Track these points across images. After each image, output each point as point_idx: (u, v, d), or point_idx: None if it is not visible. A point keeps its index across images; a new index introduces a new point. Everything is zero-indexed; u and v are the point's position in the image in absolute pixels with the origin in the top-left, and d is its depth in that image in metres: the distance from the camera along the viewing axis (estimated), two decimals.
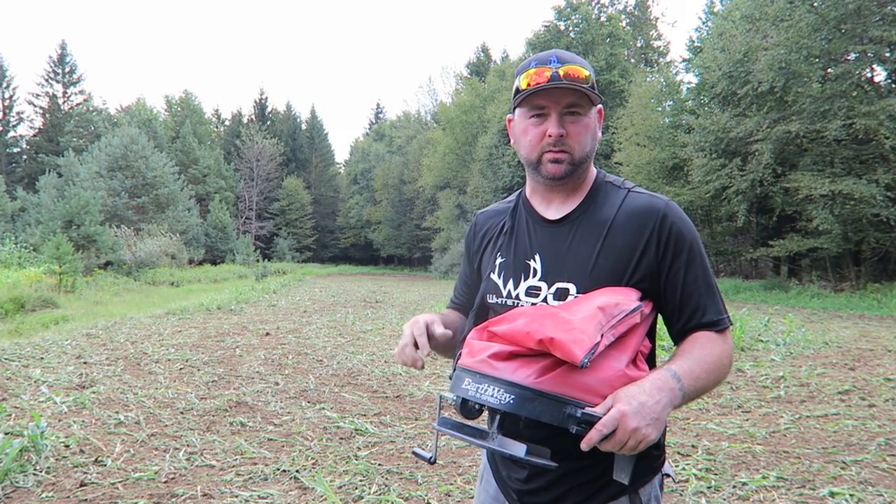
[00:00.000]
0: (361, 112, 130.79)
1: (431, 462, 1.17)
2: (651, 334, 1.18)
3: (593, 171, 1.27)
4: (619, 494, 1.16)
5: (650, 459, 1.18)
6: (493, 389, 1.01)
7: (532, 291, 1.22)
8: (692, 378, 1.06)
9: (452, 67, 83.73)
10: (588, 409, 0.98)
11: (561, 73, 1.15)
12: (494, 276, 1.29)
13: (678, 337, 1.17)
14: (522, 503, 1.25)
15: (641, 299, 1.13)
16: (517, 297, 1.24)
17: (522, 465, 1.21)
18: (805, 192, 15.16)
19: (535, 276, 1.23)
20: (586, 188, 1.25)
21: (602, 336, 1.02)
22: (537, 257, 1.23)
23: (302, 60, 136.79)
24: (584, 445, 0.97)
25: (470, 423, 1.12)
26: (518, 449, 1.00)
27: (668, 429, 4.17)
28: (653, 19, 34.47)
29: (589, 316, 1.03)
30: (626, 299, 1.09)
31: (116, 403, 4.73)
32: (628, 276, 1.13)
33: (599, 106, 1.24)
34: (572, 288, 1.16)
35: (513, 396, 0.99)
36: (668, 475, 1.25)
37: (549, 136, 1.17)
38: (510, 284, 1.26)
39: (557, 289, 1.18)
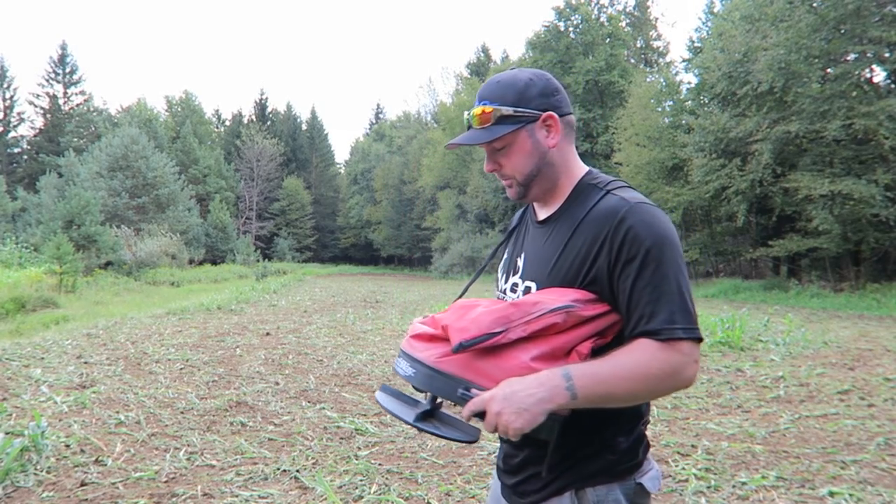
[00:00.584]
0: (361, 112, 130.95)
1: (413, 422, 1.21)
2: (617, 336, 1.15)
3: (576, 172, 1.28)
4: (565, 489, 1.17)
5: (603, 461, 1.16)
6: (405, 364, 1.16)
7: (513, 287, 1.29)
8: (592, 380, 1.04)
9: (452, 67, 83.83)
10: (473, 391, 1.07)
11: (473, 120, 1.22)
12: (498, 271, 1.40)
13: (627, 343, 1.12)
14: (500, 481, 1.34)
15: (597, 302, 1.13)
16: (504, 291, 1.32)
17: (509, 448, 1.30)
18: (804, 193, 15.16)
19: (516, 273, 1.30)
20: (567, 190, 1.27)
21: (507, 330, 1.07)
22: (522, 256, 1.31)
23: (302, 60, 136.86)
24: (463, 417, 1.11)
25: (408, 394, 1.26)
26: (408, 415, 1.16)
27: (667, 428, 4.18)
28: (653, 19, 34.47)
29: (495, 310, 1.10)
30: (553, 299, 1.10)
31: (117, 403, 4.73)
32: (581, 278, 1.13)
33: (542, 114, 1.22)
34: (534, 286, 1.20)
35: (414, 371, 1.13)
36: (650, 490, 1.19)
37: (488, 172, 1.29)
38: (503, 279, 1.36)
39: (526, 286, 1.23)
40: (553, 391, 1.03)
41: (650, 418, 1.19)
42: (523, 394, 1.03)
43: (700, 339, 1.08)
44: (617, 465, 1.17)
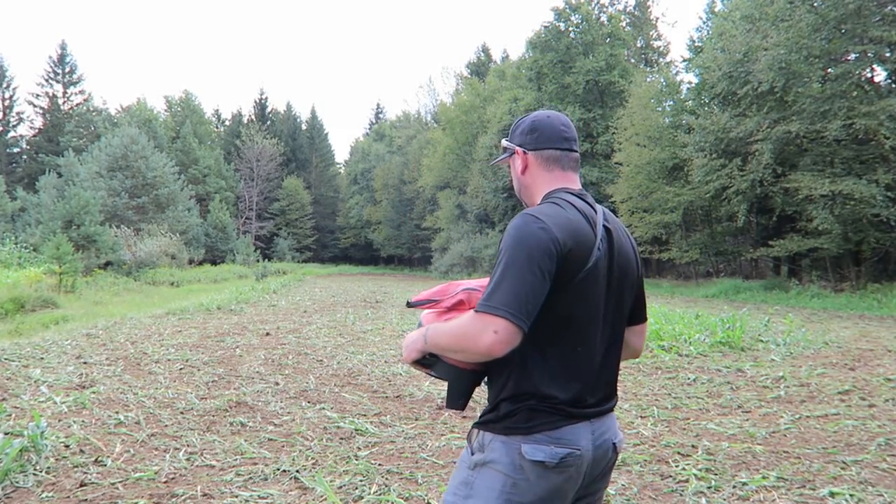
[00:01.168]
0: (361, 112, 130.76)
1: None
2: None
3: (542, 192, 1.57)
4: (475, 426, 1.49)
5: (492, 415, 1.45)
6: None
7: None
8: (435, 332, 1.43)
9: (452, 67, 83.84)
10: None
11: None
12: None
13: None
14: None
15: None
16: None
17: None
18: (805, 193, 15.16)
19: None
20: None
21: (441, 300, 1.56)
22: None
23: (302, 60, 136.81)
24: None
25: None
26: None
27: (668, 429, 4.18)
28: (653, 19, 34.44)
29: (442, 286, 1.62)
30: (468, 283, 1.57)
31: (116, 403, 4.73)
32: None
33: (516, 149, 1.61)
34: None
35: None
36: (528, 456, 1.37)
37: None
38: None
39: None
40: (419, 339, 1.48)
41: (576, 411, 1.41)
42: (409, 340, 1.51)
43: (509, 321, 1.28)
44: (499, 423, 1.42)
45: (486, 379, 1.49)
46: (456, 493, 1.46)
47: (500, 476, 1.39)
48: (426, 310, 1.58)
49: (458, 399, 1.50)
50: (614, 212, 25.41)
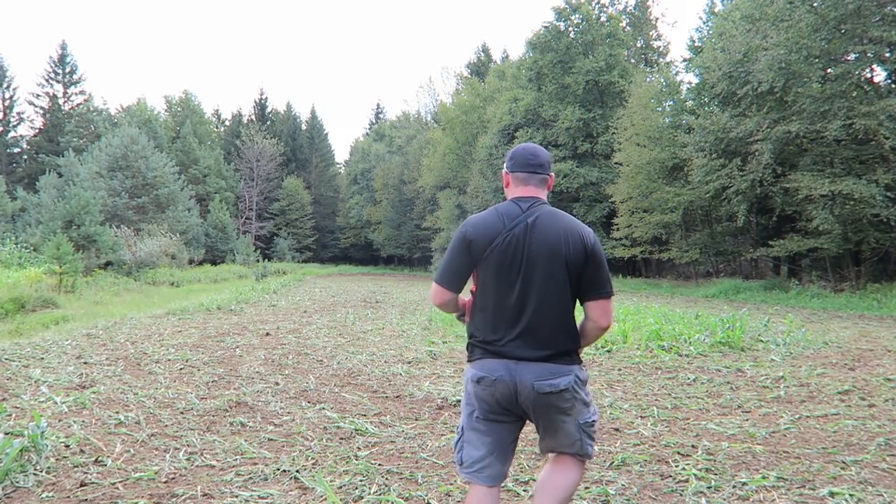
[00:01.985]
0: (361, 112, 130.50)
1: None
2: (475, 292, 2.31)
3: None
4: None
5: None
6: None
7: None
8: None
9: (452, 67, 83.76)
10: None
11: None
12: None
13: None
14: None
15: None
16: None
17: None
18: (805, 193, 15.15)
19: None
20: None
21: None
22: None
23: (302, 60, 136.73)
24: None
25: None
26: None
27: (667, 429, 4.18)
28: (653, 19, 34.45)
29: None
30: None
31: (116, 403, 4.73)
32: None
33: (504, 171, 2.34)
34: None
35: None
36: (467, 375, 2.22)
37: None
38: None
39: None
40: None
41: (493, 349, 2.17)
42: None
43: (436, 283, 2.22)
44: (470, 351, 2.25)
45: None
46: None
47: (466, 386, 2.25)
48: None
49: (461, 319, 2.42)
50: (614, 212, 25.42)
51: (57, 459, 3.44)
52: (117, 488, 3.11)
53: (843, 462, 3.50)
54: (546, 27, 30.14)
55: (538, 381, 2.07)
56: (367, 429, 4.19)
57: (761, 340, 7.78)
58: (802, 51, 14.91)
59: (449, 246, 2.21)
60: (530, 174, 2.24)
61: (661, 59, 33.36)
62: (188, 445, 3.78)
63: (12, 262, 20.57)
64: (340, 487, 3.15)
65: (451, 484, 3.21)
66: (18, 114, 47.47)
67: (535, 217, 2.13)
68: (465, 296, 2.32)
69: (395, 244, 52.73)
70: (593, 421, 2.23)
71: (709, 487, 3.15)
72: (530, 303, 2.12)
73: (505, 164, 2.30)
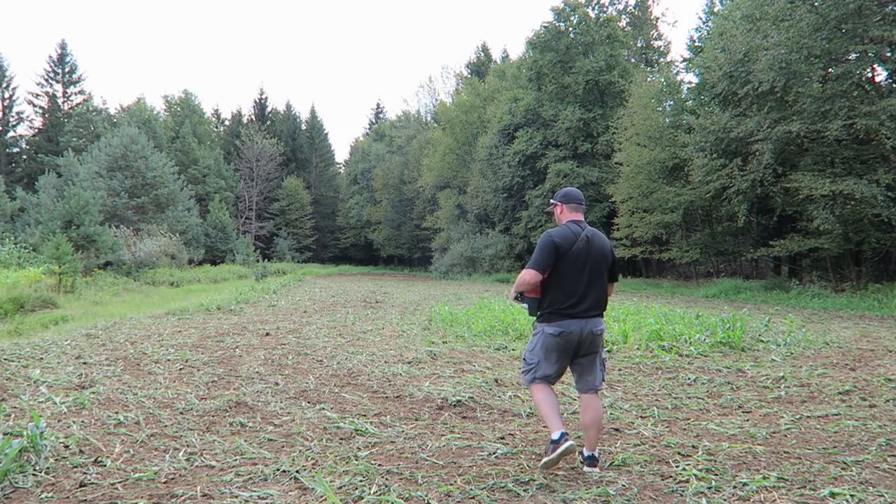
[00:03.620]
0: (361, 112, 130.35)
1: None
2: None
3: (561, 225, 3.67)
4: (537, 320, 3.62)
5: (540, 314, 3.58)
6: None
7: None
8: (515, 284, 3.59)
9: (452, 67, 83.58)
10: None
11: None
12: None
13: None
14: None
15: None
16: None
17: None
18: (806, 193, 15.14)
19: None
20: None
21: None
22: None
23: (302, 60, 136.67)
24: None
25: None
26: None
27: (668, 429, 4.18)
28: (653, 19, 34.45)
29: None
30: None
31: (116, 404, 4.72)
32: None
33: (558, 204, 3.72)
34: None
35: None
36: (548, 331, 3.50)
37: None
38: None
39: None
40: (512, 290, 3.63)
41: (571, 312, 3.50)
42: (511, 292, 3.66)
43: (533, 269, 3.46)
44: (540, 319, 3.57)
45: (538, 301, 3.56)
46: (528, 347, 3.62)
47: (539, 336, 3.53)
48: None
49: (534, 312, 3.58)
50: (614, 212, 25.47)
51: (56, 460, 3.43)
52: (117, 489, 3.11)
53: (844, 462, 3.49)
54: (546, 27, 30.14)
55: (595, 328, 3.50)
56: (367, 429, 4.18)
57: (762, 341, 7.77)
58: (803, 50, 14.90)
59: (538, 248, 3.48)
60: (578, 206, 3.67)
61: (661, 59, 33.35)
62: (188, 446, 3.77)
63: (11, 263, 20.56)
64: (340, 487, 3.14)
65: (451, 484, 3.20)
66: (18, 113, 47.46)
67: (590, 234, 3.55)
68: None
69: (395, 244, 52.73)
70: (605, 359, 3.73)
71: (709, 488, 3.14)
72: (593, 284, 3.51)
73: (558, 199, 3.69)
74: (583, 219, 3.64)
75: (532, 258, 3.47)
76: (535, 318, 3.59)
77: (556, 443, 3.26)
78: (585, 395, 3.56)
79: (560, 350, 3.47)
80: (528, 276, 3.42)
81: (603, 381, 3.65)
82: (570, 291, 3.45)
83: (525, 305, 3.58)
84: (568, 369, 3.67)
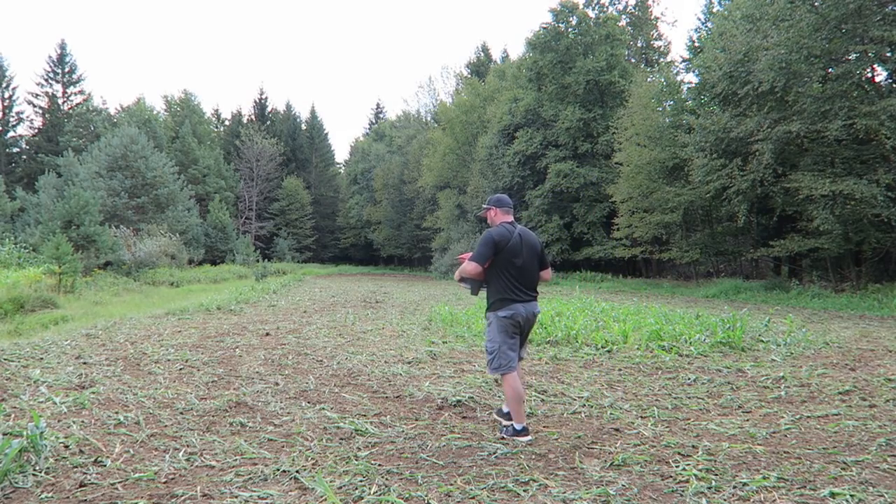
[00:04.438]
0: (361, 112, 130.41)
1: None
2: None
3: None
4: (487, 310, 4.22)
5: (491, 303, 4.19)
6: None
7: None
8: (461, 269, 4.19)
9: (452, 67, 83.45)
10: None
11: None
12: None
13: None
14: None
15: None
16: None
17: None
18: (806, 193, 15.14)
19: None
20: None
21: (463, 258, 4.31)
22: None
23: (302, 60, 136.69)
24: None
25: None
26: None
27: (668, 429, 4.18)
28: (653, 19, 34.43)
29: (463, 256, 4.34)
30: (468, 254, 4.30)
31: (116, 404, 4.72)
32: None
33: (491, 208, 4.37)
34: None
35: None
36: (500, 314, 4.11)
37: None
38: None
39: None
40: (458, 273, 4.24)
41: (517, 297, 4.17)
42: (456, 274, 4.25)
43: (476, 262, 4.12)
44: (490, 308, 4.18)
45: (483, 286, 4.24)
46: (486, 337, 4.18)
47: (493, 324, 4.10)
48: (462, 259, 4.20)
49: (475, 291, 4.25)
50: (614, 212, 25.49)
51: (56, 460, 3.43)
52: (117, 489, 3.11)
53: (844, 462, 3.49)
54: (545, 28, 30.14)
55: (535, 310, 4.22)
56: (367, 429, 4.19)
57: (762, 341, 7.77)
58: (803, 50, 14.90)
59: (481, 243, 4.12)
60: (509, 209, 4.35)
61: (661, 59, 33.34)
62: (188, 446, 3.77)
63: (11, 263, 20.56)
64: (340, 488, 3.14)
65: (451, 484, 3.20)
66: (17, 113, 47.46)
67: (521, 231, 4.24)
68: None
69: (395, 244, 52.69)
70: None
71: (709, 488, 3.14)
72: (528, 272, 4.19)
73: (491, 204, 4.34)
74: (513, 219, 4.30)
75: (475, 252, 4.11)
76: (475, 296, 4.55)
77: (520, 433, 4.01)
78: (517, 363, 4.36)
79: (512, 329, 4.10)
80: (471, 267, 4.10)
81: (527, 353, 4.84)
82: (511, 280, 4.11)
83: (467, 286, 4.28)
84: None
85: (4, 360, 6.15)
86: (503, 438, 3.98)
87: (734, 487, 3.14)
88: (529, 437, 3.98)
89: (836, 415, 4.52)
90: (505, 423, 4.17)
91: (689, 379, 5.78)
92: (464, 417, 4.56)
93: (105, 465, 3.40)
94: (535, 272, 4.24)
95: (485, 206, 4.37)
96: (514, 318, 4.06)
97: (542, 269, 4.32)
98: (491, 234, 4.13)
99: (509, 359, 4.02)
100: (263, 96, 65.52)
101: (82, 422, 4.17)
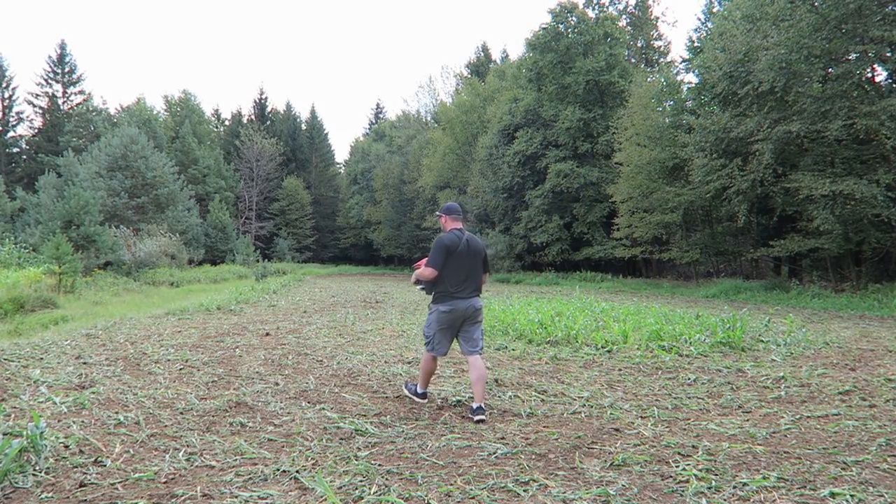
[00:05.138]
0: (361, 112, 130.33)
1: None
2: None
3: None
4: (432, 303, 4.80)
5: (434, 298, 4.76)
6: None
7: None
8: (417, 274, 4.70)
9: (452, 67, 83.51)
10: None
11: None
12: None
13: None
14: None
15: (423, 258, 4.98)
16: None
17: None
18: (806, 193, 15.14)
19: None
20: None
21: (420, 263, 4.80)
22: None
23: (302, 60, 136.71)
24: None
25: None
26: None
27: (668, 429, 4.18)
28: (653, 19, 34.44)
29: (419, 262, 4.85)
30: (424, 261, 4.83)
31: (116, 404, 4.72)
32: None
33: (442, 216, 4.90)
34: None
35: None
36: (441, 308, 4.70)
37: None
38: None
39: None
40: (413, 276, 4.80)
41: (456, 294, 4.69)
42: (412, 278, 4.82)
43: (432, 269, 4.63)
44: (434, 301, 4.75)
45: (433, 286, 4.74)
46: (426, 323, 4.85)
47: (434, 314, 4.73)
48: (416, 267, 4.74)
49: (429, 292, 4.75)
50: (614, 212, 25.50)
51: (56, 460, 3.43)
52: (117, 489, 3.10)
53: (844, 462, 3.49)
54: (545, 28, 30.14)
55: (475, 305, 4.71)
56: (367, 429, 4.18)
57: (762, 341, 7.77)
58: (803, 50, 14.90)
59: (434, 250, 4.63)
60: (458, 217, 4.82)
61: (661, 59, 33.35)
62: (188, 446, 3.77)
63: (11, 263, 20.56)
64: (340, 488, 3.14)
65: (451, 484, 3.20)
66: (17, 113, 47.48)
67: (468, 238, 4.74)
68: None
69: (395, 244, 52.68)
70: (482, 330, 4.94)
71: (709, 488, 3.14)
72: (472, 274, 4.72)
73: (443, 212, 4.83)
74: (462, 226, 4.80)
75: (430, 258, 4.63)
76: (430, 296, 4.80)
77: (418, 395, 4.98)
78: (471, 356, 4.70)
79: (449, 322, 4.67)
80: (428, 272, 4.60)
81: (482, 346, 4.80)
82: (456, 280, 4.63)
83: (422, 287, 4.79)
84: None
85: (4, 360, 6.15)
86: (407, 396, 5.06)
87: (734, 487, 3.14)
88: (426, 401, 4.93)
89: (836, 415, 4.52)
90: (412, 384, 5.13)
91: (689, 379, 5.78)
92: (464, 417, 4.56)
93: (105, 465, 3.40)
94: (478, 274, 4.74)
95: (437, 213, 4.97)
96: (454, 313, 4.63)
97: (483, 272, 4.85)
98: (443, 241, 4.63)
99: (441, 344, 4.74)
100: (263, 96, 65.56)
101: (82, 422, 4.17)
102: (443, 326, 4.67)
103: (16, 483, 3.11)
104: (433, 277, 4.61)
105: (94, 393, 4.98)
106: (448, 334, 4.72)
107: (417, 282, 4.79)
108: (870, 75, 15.76)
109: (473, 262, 4.70)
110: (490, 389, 5.40)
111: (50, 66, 47.74)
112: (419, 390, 4.95)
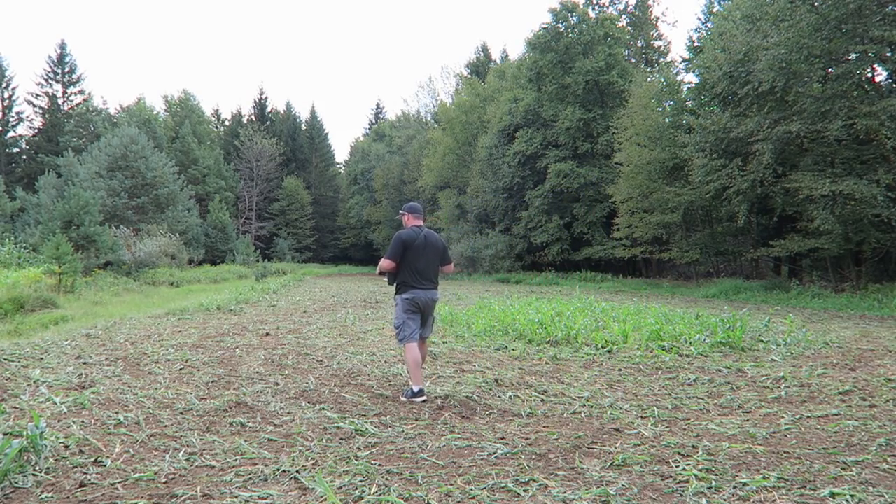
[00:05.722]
0: (361, 112, 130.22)
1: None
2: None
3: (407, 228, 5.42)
4: (395, 294, 5.34)
5: (397, 288, 5.29)
6: None
7: None
8: (380, 265, 5.29)
9: (452, 67, 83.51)
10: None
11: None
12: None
13: None
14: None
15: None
16: None
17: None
18: (806, 193, 15.14)
19: None
20: None
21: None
22: None
23: (302, 60, 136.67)
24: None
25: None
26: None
27: (668, 429, 4.18)
28: (653, 19, 34.43)
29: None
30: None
31: (116, 404, 4.72)
32: None
33: (404, 214, 5.47)
34: None
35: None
36: (403, 297, 5.24)
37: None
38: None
39: None
40: (378, 268, 5.31)
41: (418, 284, 5.23)
42: (378, 270, 5.35)
43: (390, 259, 5.19)
44: (397, 292, 5.29)
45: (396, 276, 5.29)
46: (394, 315, 5.33)
47: (399, 305, 5.22)
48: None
49: (392, 282, 5.30)
50: (614, 212, 25.50)
51: (56, 460, 3.43)
52: (117, 489, 3.10)
53: (844, 462, 3.49)
54: (545, 28, 30.13)
55: (434, 296, 5.29)
56: (367, 429, 4.18)
57: (762, 341, 7.77)
58: (803, 50, 14.90)
59: (392, 243, 5.16)
60: (418, 215, 5.38)
61: (661, 59, 33.34)
62: (188, 446, 3.77)
63: (11, 263, 20.56)
64: (340, 488, 3.14)
65: (451, 484, 3.20)
66: (17, 113, 47.47)
67: (426, 233, 5.27)
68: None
69: None
70: (435, 318, 6.33)
71: (709, 488, 3.14)
72: (429, 266, 5.24)
73: (405, 210, 5.40)
74: (422, 223, 5.37)
75: (388, 250, 5.17)
76: (393, 287, 5.27)
77: (416, 394, 4.98)
78: (421, 342, 5.32)
79: (414, 309, 5.15)
80: (386, 263, 5.15)
81: (431, 332, 5.60)
82: (415, 272, 5.15)
83: (385, 278, 5.32)
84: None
85: (4, 360, 6.15)
86: (405, 401, 4.97)
87: (734, 487, 3.14)
88: (424, 398, 4.98)
89: (836, 415, 4.52)
90: (407, 390, 5.13)
91: (689, 379, 5.79)
92: (464, 417, 4.56)
93: (105, 465, 3.40)
94: (435, 266, 5.30)
95: (401, 211, 5.47)
96: (414, 301, 5.14)
97: (444, 265, 5.40)
98: (400, 236, 5.19)
99: (411, 330, 5.08)
100: (263, 96, 65.57)
101: (82, 422, 4.17)
102: (409, 310, 5.12)
103: (16, 483, 3.11)
104: (392, 269, 5.14)
105: (94, 393, 4.98)
106: (416, 318, 5.16)
107: (381, 273, 5.29)
108: (870, 75, 15.76)
109: (431, 256, 5.22)
110: (490, 389, 5.41)
111: (50, 66, 47.76)
112: (414, 388, 5.00)
